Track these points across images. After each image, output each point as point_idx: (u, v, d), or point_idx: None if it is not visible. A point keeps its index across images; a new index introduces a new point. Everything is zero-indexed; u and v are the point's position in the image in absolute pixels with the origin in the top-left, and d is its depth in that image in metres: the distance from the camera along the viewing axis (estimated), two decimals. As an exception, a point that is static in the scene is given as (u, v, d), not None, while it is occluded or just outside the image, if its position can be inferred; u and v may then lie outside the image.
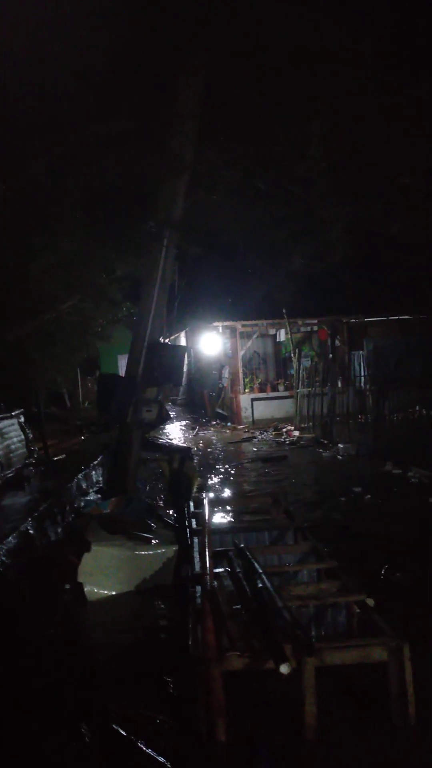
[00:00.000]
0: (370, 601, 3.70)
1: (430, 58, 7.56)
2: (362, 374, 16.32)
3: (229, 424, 15.94)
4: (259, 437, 13.73)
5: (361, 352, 16.83)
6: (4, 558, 5.08)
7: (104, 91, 7.13)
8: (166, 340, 8.46)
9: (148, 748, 2.90)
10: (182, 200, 6.92)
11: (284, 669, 2.89)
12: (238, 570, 4.24)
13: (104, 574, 4.95)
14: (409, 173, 8.56)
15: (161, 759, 2.84)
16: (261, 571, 3.98)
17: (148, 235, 7.12)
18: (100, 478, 8.80)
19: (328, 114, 7.85)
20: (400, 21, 7.20)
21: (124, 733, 3.01)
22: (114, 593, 4.93)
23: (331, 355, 15.98)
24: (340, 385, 15.24)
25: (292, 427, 14.19)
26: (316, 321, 16.87)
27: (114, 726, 3.05)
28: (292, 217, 9.30)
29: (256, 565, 4.11)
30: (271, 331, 17.38)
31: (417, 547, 5.68)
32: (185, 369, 13.23)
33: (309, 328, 17.32)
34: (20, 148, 6.97)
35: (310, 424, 14.21)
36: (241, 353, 16.27)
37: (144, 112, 7.37)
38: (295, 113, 7.78)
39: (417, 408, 14.98)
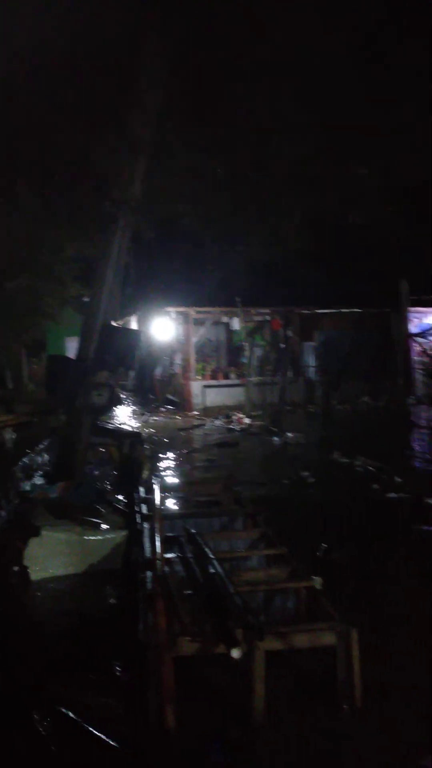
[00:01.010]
0: (318, 582, 3.76)
1: (390, 53, 7.65)
2: (313, 365, 16.59)
3: (179, 410, 15.89)
4: (210, 424, 13.75)
5: (312, 343, 17.09)
6: None
7: (59, 65, 6.89)
8: (118, 324, 8.31)
9: (99, 733, 2.85)
10: (140, 181, 6.77)
11: (235, 654, 2.90)
12: (189, 555, 4.22)
13: (52, 559, 4.85)
14: (367, 165, 8.67)
15: (113, 744, 2.80)
16: (212, 556, 3.98)
17: (103, 215, 6.94)
18: (47, 462, 8.58)
19: (291, 102, 7.85)
20: (362, 15, 7.24)
21: (76, 718, 2.95)
22: (61, 578, 4.83)
23: (283, 345, 16.12)
24: (291, 374, 15.45)
25: (243, 415, 14.27)
26: (269, 311, 16.96)
27: (65, 711, 2.98)
28: (251, 205, 9.29)
29: (207, 550, 4.11)
30: (225, 319, 17.36)
31: (356, 529, 5.94)
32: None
33: (262, 318, 17.41)
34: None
35: (261, 412, 14.33)
36: (193, 340, 16.20)
37: (102, 90, 7.17)
38: (257, 100, 7.74)
39: (364, 399, 15.39)
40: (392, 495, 7.39)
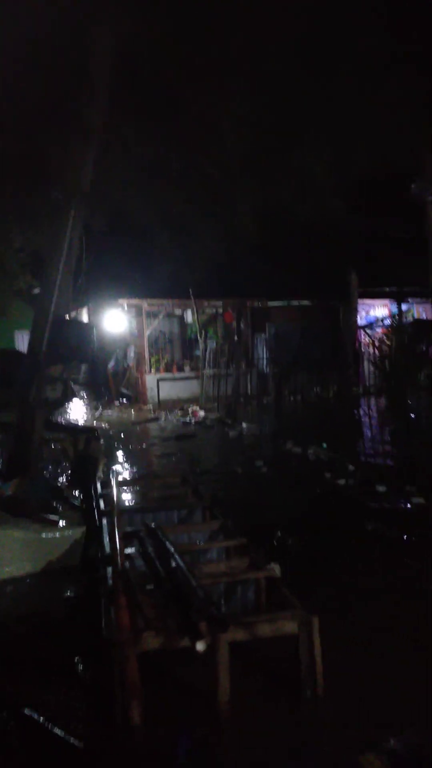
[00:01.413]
0: (277, 569, 3.82)
1: (342, 46, 7.75)
2: (264, 357, 16.75)
3: (134, 404, 15.77)
4: (165, 417, 13.71)
5: (263, 335, 17.25)
6: None
7: (3, 50, 6.67)
8: (70, 316, 8.14)
9: (63, 733, 2.81)
10: (90, 171, 6.64)
11: (200, 646, 2.91)
12: (149, 550, 4.20)
13: (8, 558, 4.73)
14: (316, 159, 8.78)
15: (77, 743, 2.77)
16: (173, 550, 3.97)
17: (53, 206, 6.79)
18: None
19: (242, 94, 7.85)
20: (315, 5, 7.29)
21: (39, 719, 2.90)
22: (19, 578, 4.73)
23: (236, 338, 16.21)
24: (244, 367, 15.56)
25: (198, 408, 14.29)
26: (221, 303, 17.01)
27: (28, 713, 2.92)
28: (203, 197, 9.27)
29: (167, 544, 4.10)
30: (178, 312, 17.31)
31: (308, 515, 6.16)
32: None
33: (214, 310, 17.45)
34: None
35: (216, 404, 14.39)
36: (147, 333, 16.08)
37: (51, 76, 6.98)
38: (210, 91, 7.70)
39: (315, 390, 15.66)
40: (342, 482, 7.59)
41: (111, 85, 6.79)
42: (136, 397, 16.03)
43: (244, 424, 12.06)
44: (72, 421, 11.91)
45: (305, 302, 17.14)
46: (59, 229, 6.58)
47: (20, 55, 6.64)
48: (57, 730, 2.83)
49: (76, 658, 3.53)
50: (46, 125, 6.94)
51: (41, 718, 2.94)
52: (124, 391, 16.42)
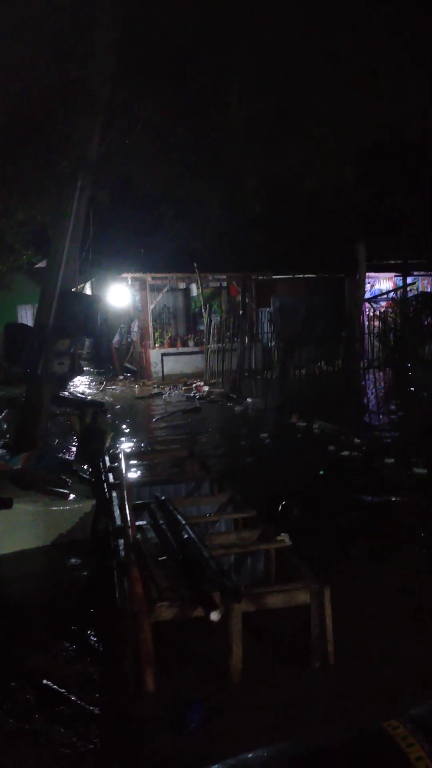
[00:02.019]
0: (287, 538, 3.86)
1: (347, 12, 7.54)
2: (269, 331, 16.66)
3: (138, 379, 15.76)
4: (169, 392, 13.72)
5: (268, 309, 17.13)
6: None
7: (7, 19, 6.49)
8: (76, 290, 8.08)
9: (79, 701, 2.87)
10: (97, 141, 6.51)
11: (214, 616, 2.95)
12: (160, 522, 4.24)
13: (19, 531, 4.77)
14: (324, 127, 8.60)
15: (95, 710, 2.83)
16: (184, 522, 4.00)
17: (59, 177, 6.67)
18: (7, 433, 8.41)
19: (248, 60, 7.66)
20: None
21: (58, 688, 2.96)
22: (30, 551, 4.78)
23: (242, 312, 16.10)
24: (248, 341, 15.50)
25: (202, 383, 14.27)
26: (225, 277, 16.85)
27: (45, 682, 2.98)
28: (209, 167, 9.11)
29: (178, 516, 4.13)
30: (182, 285, 17.16)
31: (314, 486, 6.26)
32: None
33: (219, 284, 17.29)
34: None
35: (220, 379, 14.37)
36: (151, 307, 15.97)
37: (55, 46, 6.81)
38: (215, 58, 7.52)
39: (319, 364, 15.61)
40: (346, 453, 7.65)
41: (117, 53, 6.62)
42: (140, 372, 16.01)
43: (248, 399, 12.06)
44: (79, 395, 11.91)
45: (310, 275, 16.96)
46: (66, 201, 6.48)
47: (24, 24, 6.47)
48: (73, 698, 2.89)
49: (89, 629, 3.58)
50: (51, 95, 6.78)
51: (57, 686, 2.99)
52: (128, 365, 16.40)
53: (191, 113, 7.92)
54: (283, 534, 3.91)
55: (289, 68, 7.87)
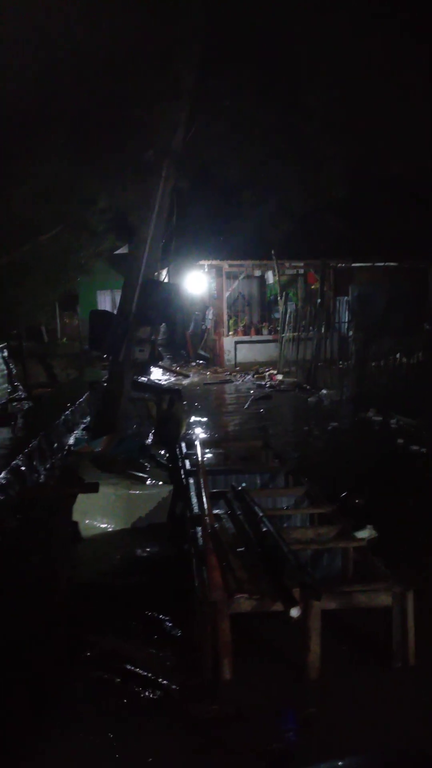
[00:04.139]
0: (372, 532, 3.77)
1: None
2: (347, 320, 16.27)
3: (211, 366, 15.86)
4: (242, 380, 13.72)
5: (346, 297, 16.71)
6: (-3, 494, 5.01)
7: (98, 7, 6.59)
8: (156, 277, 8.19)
9: (157, 686, 2.95)
10: (183, 131, 6.53)
11: (294, 613, 2.93)
12: (238, 512, 4.25)
13: (99, 513, 4.92)
14: (414, 110, 8.27)
15: (172, 696, 2.90)
16: (261, 514, 3.99)
17: (143, 166, 6.75)
18: (87, 416, 8.69)
19: (335, 44, 7.45)
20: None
21: (137, 671, 3.05)
22: (109, 532, 4.93)
23: (319, 300, 15.79)
24: (325, 330, 15.20)
25: (275, 371, 14.18)
26: (302, 264, 16.59)
27: (129, 667, 3.08)
28: (291, 153, 8.97)
29: (256, 508, 4.12)
30: (257, 273, 17.05)
31: (389, 482, 6.08)
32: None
33: (295, 271, 17.05)
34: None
35: (294, 369, 14.22)
36: (226, 294, 15.98)
37: (144, 34, 6.86)
38: (301, 43, 7.36)
39: (397, 356, 15.12)
40: (415, 448, 7.41)
41: (202, 40, 6.60)
42: (213, 360, 16.09)
43: (323, 390, 11.87)
44: (156, 381, 12.14)
45: (391, 263, 16.39)
46: (150, 190, 6.55)
47: (112, 15, 6.56)
48: (154, 684, 2.96)
49: (166, 614, 3.65)
50: (137, 86, 6.86)
51: (136, 669, 3.08)
52: (201, 353, 16.52)
53: (276, 99, 7.80)
54: (368, 527, 3.82)
55: (379, 43, 7.59)
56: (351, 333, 15.70)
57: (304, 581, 3.12)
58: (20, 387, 9.52)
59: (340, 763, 1.52)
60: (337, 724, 2.76)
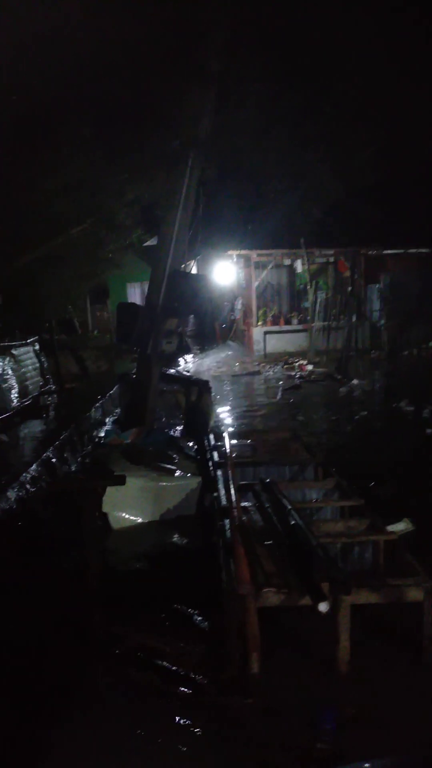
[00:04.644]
0: (409, 524, 3.69)
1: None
2: (379, 309, 15.99)
3: (240, 356, 15.79)
4: (271, 370, 13.63)
5: (377, 286, 16.42)
6: (28, 486, 5.09)
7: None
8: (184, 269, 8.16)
9: (184, 680, 2.96)
10: (209, 118, 6.45)
11: (323, 607, 2.89)
12: (266, 505, 4.22)
13: (129, 504, 4.96)
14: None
15: (200, 689, 2.90)
16: (290, 507, 3.96)
17: (171, 156, 6.71)
18: (117, 408, 8.75)
19: (365, 26, 7.26)
20: None
21: (174, 668, 3.07)
22: (138, 523, 4.96)
23: (350, 288, 15.54)
24: (356, 319, 14.97)
25: (305, 361, 14.04)
26: (332, 252, 16.32)
27: (158, 662, 3.10)
28: (320, 139, 8.81)
29: (284, 501, 4.09)
30: (286, 262, 16.85)
31: (409, 469, 6.01)
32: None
33: (325, 260, 16.79)
34: (26, 54, 6.48)
35: (324, 358, 14.06)
36: (255, 284, 15.87)
37: (168, 22, 6.80)
38: (332, 24, 7.19)
39: (430, 345, 14.80)
40: None
41: (228, 27, 6.50)
42: (243, 350, 16.02)
43: (354, 380, 11.71)
44: (184, 373, 12.15)
45: (423, 250, 16.01)
46: (177, 180, 6.51)
47: (138, 4, 6.51)
48: (185, 679, 2.98)
49: (193, 607, 3.66)
50: (163, 75, 6.81)
51: (163, 663, 3.10)
52: (230, 343, 16.47)
53: (304, 84, 7.65)
54: (404, 519, 3.75)
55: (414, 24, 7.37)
56: (383, 321, 15.47)
57: (333, 575, 3.08)
58: (51, 380, 9.63)
59: (366, 765, 1.49)
60: (376, 723, 2.72)
